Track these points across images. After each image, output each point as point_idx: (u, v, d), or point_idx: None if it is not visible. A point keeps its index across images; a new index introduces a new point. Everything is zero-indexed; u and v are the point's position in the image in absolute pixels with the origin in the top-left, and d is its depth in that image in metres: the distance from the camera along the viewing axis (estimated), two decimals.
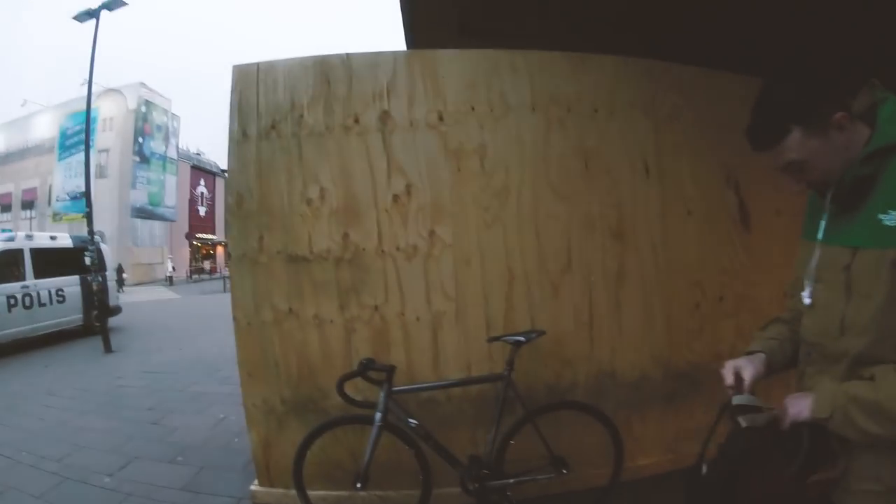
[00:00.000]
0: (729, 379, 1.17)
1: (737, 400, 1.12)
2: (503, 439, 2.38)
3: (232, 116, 2.73)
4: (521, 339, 2.35)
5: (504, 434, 2.39)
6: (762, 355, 1.21)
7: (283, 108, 2.67)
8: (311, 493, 2.50)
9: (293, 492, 2.51)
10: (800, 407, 1.02)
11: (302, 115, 2.65)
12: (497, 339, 2.43)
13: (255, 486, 2.78)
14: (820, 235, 1.04)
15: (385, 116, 2.60)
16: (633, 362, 2.72)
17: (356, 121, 2.61)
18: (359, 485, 2.34)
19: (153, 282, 28.99)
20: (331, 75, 2.64)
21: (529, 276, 2.56)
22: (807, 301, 1.08)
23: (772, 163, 1.02)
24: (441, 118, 2.59)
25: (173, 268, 29.28)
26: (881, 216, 0.88)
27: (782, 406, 1.06)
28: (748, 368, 1.15)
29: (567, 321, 2.57)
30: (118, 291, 12.31)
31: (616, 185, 2.71)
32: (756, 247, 2.89)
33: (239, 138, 2.71)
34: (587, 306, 2.63)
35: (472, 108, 2.60)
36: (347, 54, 2.64)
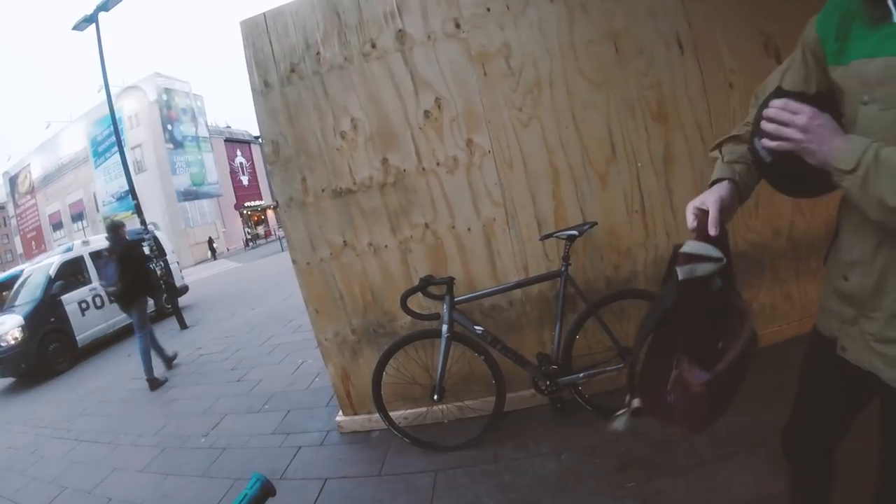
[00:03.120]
0: (691, 221, 1.01)
1: (687, 248, 0.99)
2: (568, 335, 2.42)
3: (250, 70, 2.75)
4: (574, 232, 2.33)
5: (569, 330, 2.42)
6: (727, 183, 1.05)
7: (298, 49, 2.66)
8: (392, 413, 2.64)
9: (376, 415, 2.65)
10: (821, 147, 0.84)
11: (319, 52, 2.63)
12: (549, 236, 2.42)
13: (339, 417, 2.96)
14: (883, 50, 0.82)
15: (401, 35, 2.54)
16: None
17: (373, 46, 2.57)
18: (436, 397, 2.45)
19: (205, 260, 29.93)
20: (339, 6, 2.60)
21: (574, 171, 2.51)
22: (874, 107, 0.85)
23: None
24: (458, 25, 2.50)
25: (210, 239, 30.26)
26: None
27: (796, 121, 0.86)
28: (712, 201, 0.99)
29: (619, 211, 2.52)
30: (212, 258, 12.86)
31: (651, 65, 2.57)
32: None
33: (262, 89, 2.73)
34: (637, 193, 2.56)
35: (488, 10, 2.50)
36: None
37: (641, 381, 1.11)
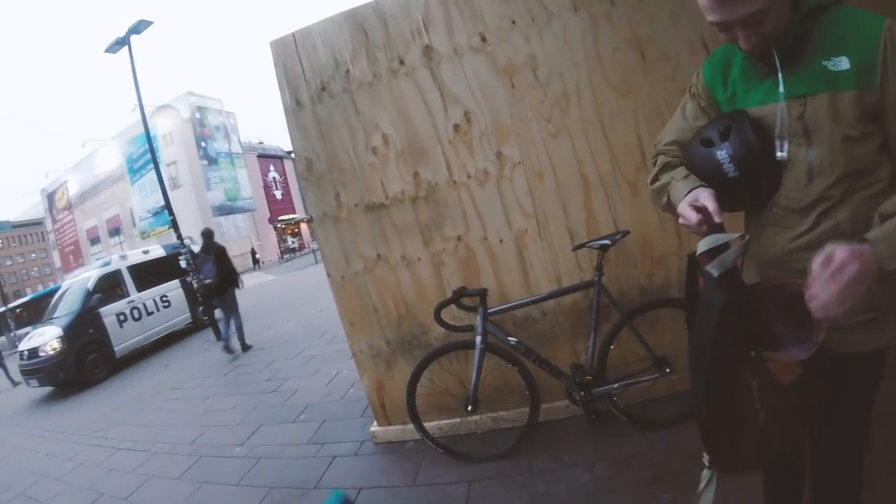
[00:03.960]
0: (693, 217, 1.02)
1: (702, 247, 0.97)
2: (603, 345, 2.40)
3: (282, 89, 2.83)
4: (607, 241, 2.33)
5: (603, 340, 2.40)
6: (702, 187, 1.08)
7: (327, 68, 2.73)
8: (426, 424, 2.66)
9: (410, 426, 2.68)
10: (857, 264, 0.80)
11: (348, 71, 2.70)
12: (582, 246, 2.42)
13: (374, 427, 3.00)
14: (781, 89, 1.00)
15: (428, 51, 2.59)
16: None
17: (401, 62, 2.62)
18: (469, 408, 2.46)
19: (248, 270, 30.54)
20: (365, 25, 2.66)
21: (605, 180, 2.50)
22: (783, 156, 1.02)
23: (727, 17, 0.96)
24: (484, 39, 2.54)
25: (253, 250, 30.92)
26: (825, 63, 0.94)
27: (816, 272, 0.85)
28: (706, 196, 1.02)
29: (651, 219, 2.50)
30: (255, 268, 13.13)
31: (678, 70, 2.54)
32: None
33: (293, 107, 2.81)
34: None
35: (513, 22, 2.52)
36: (375, 1, 2.64)
37: (714, 430, 1.05)
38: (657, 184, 1.22)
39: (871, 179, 0.96)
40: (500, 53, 2.54)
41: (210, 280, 6.75)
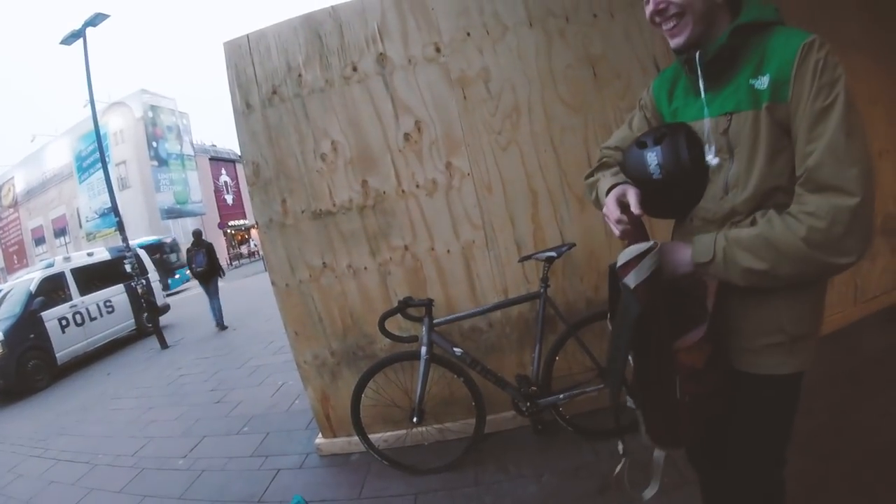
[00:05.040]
0: (615, 212, 1.08)
1: (621, 259, 1.03)
2: (548, 356, 2.42)
3: (232, 91, 2.76)
4: (553, 254, 2.35)
5: (549, 351, 2.42)
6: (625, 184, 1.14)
7: (280, 72, 2.68)
8: (372, 436, 2.62)
9: (355, 438, 2.63)
10: (678, 258, 1.06)
11: (300, 75, 2.65)
12: (528, 257, 2.44)
13: (319, 440, 2.93)
14: (706, 113, 1.05)
15: (382, 59, 2.57)
16: None
17: (354, 69, 2.59)
18: (415, 420, 2.43)
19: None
20: (321, 30, 2.62)
21: (553, 193, 2.54)
22: (713, 160, 1.06)
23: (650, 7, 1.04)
24: (438, 49, 2.54)
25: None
26: (752, 81, 0.97)
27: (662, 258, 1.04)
28: (632, 191, 1.06)
29: (598, 233, 2.54)
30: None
31: (628, 88, 2.61)
32: None
33: (243, 110, 2.74)
34: None
35: (468, 34, 2.54)
36: (333, 7, 2.61)
37: (646, 411, 1.13)
38: (590, 179, 1.31)
39: (783, 198, 0.99)
40: (453, 65, 2.54)
41: (200, 269, 8.41)
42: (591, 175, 1.33)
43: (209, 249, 8.49)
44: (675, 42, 1.04)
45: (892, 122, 2.98)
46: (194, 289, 14.59)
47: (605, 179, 1.20)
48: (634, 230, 1.06)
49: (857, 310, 3.07)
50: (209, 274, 8.45)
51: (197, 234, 8.70)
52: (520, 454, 2.48)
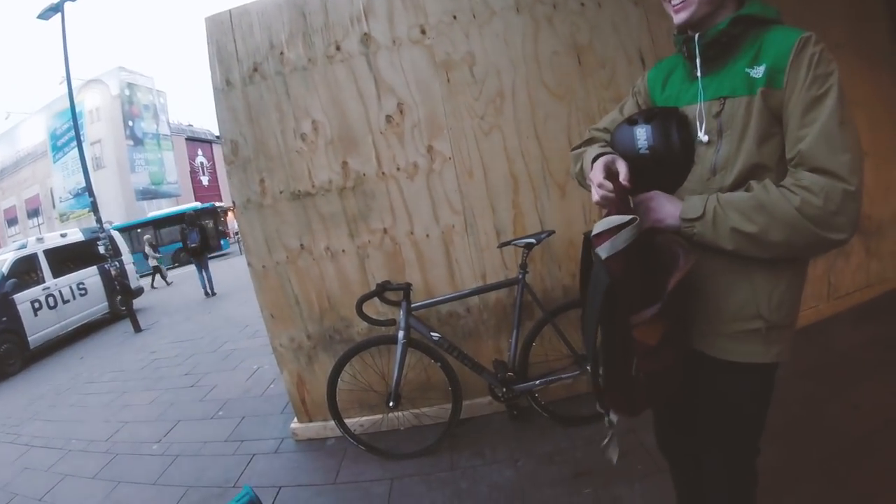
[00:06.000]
0: (599, 176, 1.07)
1: (597, 229, 1.01)
2: (525, 342, 2.43)
3: (212, 67, 2.70)
4: (532, 240, 2.35)
5: (525, 337, 2.43)
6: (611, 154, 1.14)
7: (262, 49, 2.62)
8: (348, 421, 2.61)
9: (331, 422, 2.62)
10: (665, 210, 1.06)
11: (283, 53, 2.60)
12: (507, 243, 2.43)
13: (294, 424, 2.90)
14: (701, 96, 1.07)
15: (367, 39, 2.53)
16: None
17: (338, 48, 2.55)
18: (391, 404, 2.42)
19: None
20: (305, 7, 2.58)
21: (534, 180, 2.54)
22: (703, 138, 1.07)
23: None
24: (424, 31, 2.51)
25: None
26: (748, 70, 1.00)
27: (643, 211, 1.06)
28: (620, 161, 1.08)
29: (577, 221, 2.55)
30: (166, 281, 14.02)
31: (613, 78, 2.62)
32: None
33: (223, 87, 2.68)
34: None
35: (455, 17, 2.51)
36: None
37: (607, 380, 1.12)
38: (576, 151, 1.33)
39: (771, 179, 0.99)
40: (438, 47, 2.52)
41: (194, 245, 9.65)
42: (577, 147, 1.34)
43: (202, 228, 9.89)
44: (678, 17, 1.05)
45: (873, 125, 3.01)
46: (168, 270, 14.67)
47: (592, 150, 1.22)
48: (618, 201, 1.05)
49: (829, 306, 3.13)
50: (202, 249, 9.70)
51: (190, 216, 10.34)
52: (496, 439, 2.49)
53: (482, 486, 2.18)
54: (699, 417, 1.19)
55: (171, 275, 14.60)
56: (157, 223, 19.94)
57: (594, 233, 1.02)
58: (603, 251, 0.99)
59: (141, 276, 11.13)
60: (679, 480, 1.45)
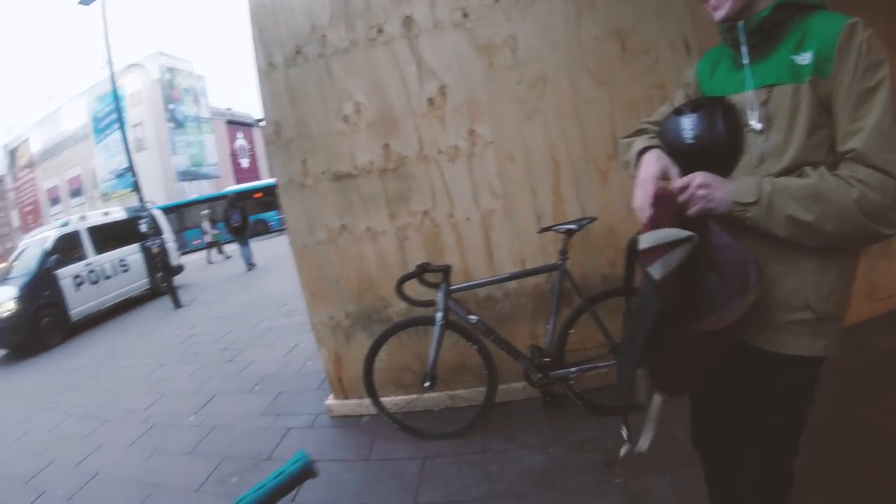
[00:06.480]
0: (650, 172, 1.08)
1: (645, 243, 0.94)
2: (562, 329, 2.42)
3: (255, 49, 2.74)
4: (573, 226, 2.33)
5: (563, 324, 2.42)
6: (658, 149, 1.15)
7: (304, 31, 2.65)
8: (383, 399, 2.65)
9: (366, 400, 2.66)
10: (718, 195, 1.00)
11: (325, 35, 2.62)
12: (548, 229, 2.42)
13: (330, 400, 2.97)
14: (748, 84, 1.05)
15: (408, 22, 2.53)
16: None
17: (380, 31, 2.56)
18: (427, 385, 2.46)
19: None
20: None
21: (575, 166, 2.51)
22: (755, 125, 1.04)
23: None
24: (466, 15, 2.50)
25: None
26: (793, 57, 0.98)
27: (689, 191, 1.00)
28: (672, 166, 1.09)
29: (618, 208, 2.52)
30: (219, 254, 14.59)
31: (656, 64, 2.56)
32: None
33: (266, 69, 2.72)
34: None
35: (497, 0, 2.49)
36: None
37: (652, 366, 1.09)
38: (626, 140, 1.32)
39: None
40: (480, 31, 2.50)
41: (236, 224, 10.74)
42: (627, 137, 1.34)
43: (242, 209, 10.94)
44: (717, 15, 1.05)
45: None
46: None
47: (641, 140, 1.22)
48: (668, 211, 0.98)
49: (869, 307, 3.02)
50: (242, 228, 10.80)
51: (232, 197, 11.61)
52: (528, 425, 2.50)
53: (513, 470, 2.20)
54: (741, 411, 1.17)
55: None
56: (213, 201, 20.34)
57: (642, 247, 0.95)
58: (656, 271, 0.92)
59: (195, 252, 11.98)
60: (711, 476, 1.43)
